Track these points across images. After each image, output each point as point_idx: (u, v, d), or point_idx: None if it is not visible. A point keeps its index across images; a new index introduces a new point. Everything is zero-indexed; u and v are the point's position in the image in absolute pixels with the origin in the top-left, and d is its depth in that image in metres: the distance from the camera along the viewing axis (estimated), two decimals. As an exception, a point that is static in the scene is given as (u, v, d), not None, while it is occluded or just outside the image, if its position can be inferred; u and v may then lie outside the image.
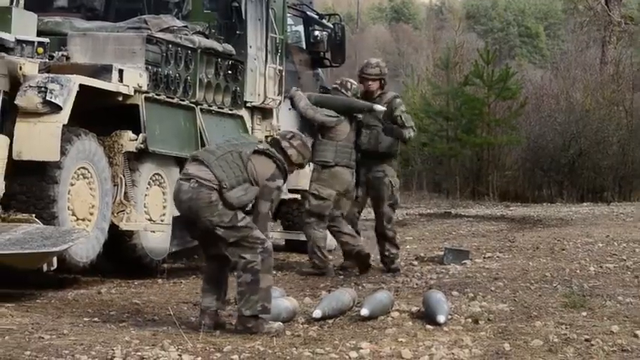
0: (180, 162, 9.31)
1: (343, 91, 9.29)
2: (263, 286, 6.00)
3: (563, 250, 10.86)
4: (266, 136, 10.09)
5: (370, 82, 9.31)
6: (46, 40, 8.24)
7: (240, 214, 6.01)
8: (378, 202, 9.37)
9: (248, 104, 10.34)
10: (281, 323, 6.12)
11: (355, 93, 9.34)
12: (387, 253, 9.38)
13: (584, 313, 6.67)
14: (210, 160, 6.00)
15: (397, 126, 9.26)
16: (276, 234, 9.87)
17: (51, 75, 7.89)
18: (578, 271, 9.10)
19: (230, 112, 9.99)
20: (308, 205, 9.18)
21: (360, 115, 9.26)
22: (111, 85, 8.30)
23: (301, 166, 6.49)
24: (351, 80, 9.61)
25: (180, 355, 5.33)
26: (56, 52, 8.58)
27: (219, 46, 9.70)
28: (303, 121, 9.62)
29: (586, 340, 5.80)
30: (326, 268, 9.07)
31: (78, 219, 8.08)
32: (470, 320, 6.42)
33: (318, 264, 9.11)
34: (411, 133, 9.36)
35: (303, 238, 9.81)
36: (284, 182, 6.24)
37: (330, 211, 9.08)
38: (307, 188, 9.45)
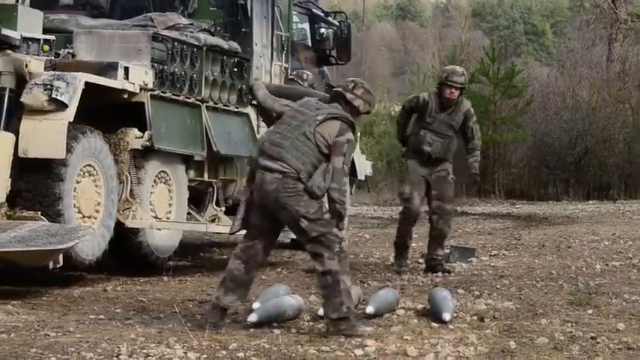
0: (186, 160, 9.32)
1: (299, 81, 9.43)
2: (344, 287, 5.94)
3: (569, 247, 10.87)
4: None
5: (454, 90, 9.16)
6: (52, 37, 8.24)
7: (325, 207, 5.97)
8: (442, 201, 9.28)
9: (254, 102, 10.32)
10: (371, 327, 6.07)
11: (311, 84, 9.48)
12: (434, 256, 9.27)
13: (590, 311, 6.67)
14: (282, 154, 5.94)
15: (469, 151, 9.38)
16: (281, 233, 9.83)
17: (57, 72, 7.89)
18: (584, 269, 9.10)
19: (236, 109, 9.98)
20: None
21: None
22: (117, 83, 8.29)
23: (368, 112, 6.39)
24: (307, 72, 9.81)
25: (185, 353, 5.33)
26: (62, 50, 8.58)
27: (224, 44, 9.69)
28: (260, 111, 9.54)
29: (592, 337, 5.80)
30: None
31: (84, 216, 8.08)
32: (475, 318, 6.43)
33: None
34: (479, 149, 9.45)
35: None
36: (354, 133, 6.13)
37: None
38: None
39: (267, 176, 5.95)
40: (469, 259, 9.85)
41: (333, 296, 5.92)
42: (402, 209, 9.50)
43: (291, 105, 6.30)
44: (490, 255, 10.42)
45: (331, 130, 5.99)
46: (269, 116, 9.30)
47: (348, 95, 6.21)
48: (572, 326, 6.16)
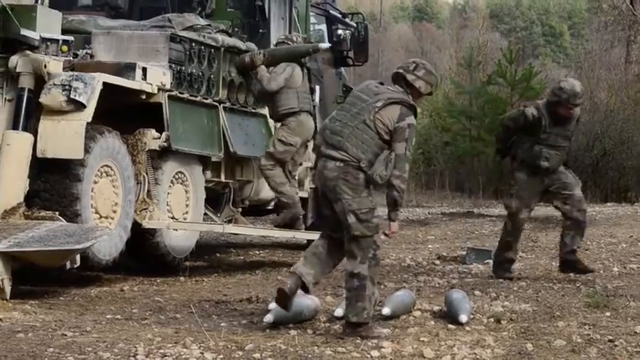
0: (203, 160, 9.34)
1: (289, 43, 9.52)
2: (368, 293, 5.93)
3: (587, 250, 10.81)
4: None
5: (573, 110, 8.66)
6: (71, 38, 8.26)
7: (377, 212, 5.94)
8: (570, 189, 8.64)
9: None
10: (388, 330, 6.06)
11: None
12: (574, 249, 8.68)
13: (608, 314, 6.64)
14: (342, 143, 5.91)
15: None
16: (298, 234, 9.84)
17: (75, 73, 7.92)
18: (601, 272, 9.06)
19: (253, 110, 9.99)
20: (272, 149, 9.07)
21: (305, 60, 9.38)
22: (134, 84, 8.32)
23: (431, 94, 6.33)
24: (296, 33, 10.08)
25: (202, 353, 5.34)
26: (80, 51, 8.61)
27: (242, 45, 9.70)
28: (259, 95, 9.57)
29: (609, 340, 5.78)
30: (293, 203, 9.02)
31: (101, 217, 8.11)
32: (492, 320, 6.41)
33: (286, 201, 9.04)
34: None
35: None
36: (415, 116, 6.02)
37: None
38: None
39: (329, 163, 5.93)
40: (485, 261, 9.81)
41: (356, 300, 5.91)
42: (506, 222, 8.94)
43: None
44: (507, 257, 10.36)
45: (391, 116, 5.92)
46: (265, 97, 9.53)
47: (409, 76, 6.11)
48: (589, 329, 6.13)
